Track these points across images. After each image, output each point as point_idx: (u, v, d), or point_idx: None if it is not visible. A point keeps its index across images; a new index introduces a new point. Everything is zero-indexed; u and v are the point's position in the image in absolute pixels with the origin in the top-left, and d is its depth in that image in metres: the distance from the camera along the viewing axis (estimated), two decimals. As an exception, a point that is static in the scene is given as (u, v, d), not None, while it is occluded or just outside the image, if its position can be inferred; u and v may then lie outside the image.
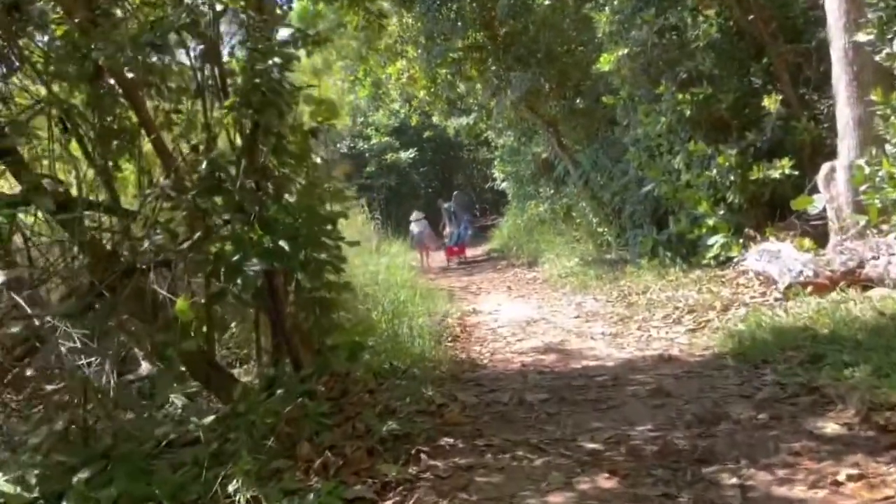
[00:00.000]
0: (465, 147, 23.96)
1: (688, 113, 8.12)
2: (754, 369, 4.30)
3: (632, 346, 5.57)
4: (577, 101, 12.10)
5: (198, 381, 3.92)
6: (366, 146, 23.53)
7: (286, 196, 3.81)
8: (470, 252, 16.62)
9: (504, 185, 18.05)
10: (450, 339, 6.53)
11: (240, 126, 3.62)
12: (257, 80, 3.36)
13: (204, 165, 3.32)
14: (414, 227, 15.48)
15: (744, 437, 3.21)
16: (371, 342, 5.19)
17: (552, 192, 14.59)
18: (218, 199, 3.41)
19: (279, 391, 3.51)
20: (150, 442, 2.89)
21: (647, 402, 3.96)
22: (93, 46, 3.03)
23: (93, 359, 2.79)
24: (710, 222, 7.90)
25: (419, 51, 12.67)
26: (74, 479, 2.42)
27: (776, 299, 5.97)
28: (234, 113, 3.46)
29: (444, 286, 10.97)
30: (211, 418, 3.01)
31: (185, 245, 3.27)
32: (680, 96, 8.08)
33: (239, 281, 3.32)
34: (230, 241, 3.35)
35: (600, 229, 11.74)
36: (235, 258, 3.31)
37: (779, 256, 6.51)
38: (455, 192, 18.60)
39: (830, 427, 3.19)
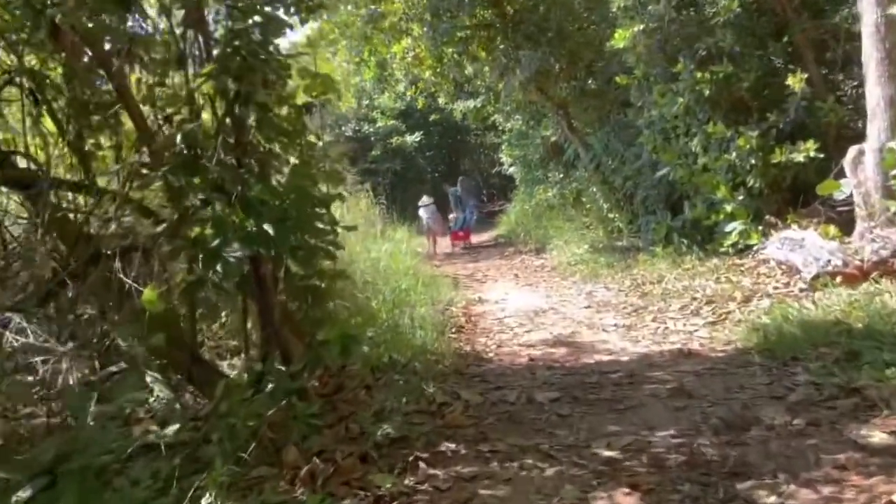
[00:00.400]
0: (473, 131, 23.49)
1: (706, 93, 7.71)
2: (784, 367, 3.96)
3: (647, 340, 5.23)
4: (589, 81, 11.65)
5: (179, 375, 3.63)
6: (371, 129, 23.07)
7: (274, 175, 3.47)
8: (476, 238, 16.25)
9: (512, 169, 17.60)
10: (453, 329, 6.19)
11: (223, 97, 3.27)
12: (237, 43, 3.01)
13: (178, 139, 2.98)
14: (423, 213, 15.15)
15: (779, 445, 2.88)
16: (370, 333, 4.89)
17: (561, 176, 14.18)
18: (196, 179, 3.06)
19: (268, 387, 3.22)
20: (117, 450, 2.57)
21: (667, 402, 3.63)
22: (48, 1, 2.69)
23: (48, 357, 2.47)
24: (728, 208, 7.53)
25: (425, 28, 12.19)
26: (13, 499, 2.11)
27: (802, 290, 5.61)
28: (215, 82, 3.10)
29: (449, 273, 10.63)
30: (175, 427, 2.68)
31: (160, 228, 2.94)
32: (699, 75, 7.66)
33: (219, 268, 3.00)
34: (209, 223, 3.01)
35: (611, 215, 11.34)
36: (215, 243, 2.99)
37: (803, 245, 6.15)
38: (460, 178, 18.23)
39: (877, 435, 2.85)
